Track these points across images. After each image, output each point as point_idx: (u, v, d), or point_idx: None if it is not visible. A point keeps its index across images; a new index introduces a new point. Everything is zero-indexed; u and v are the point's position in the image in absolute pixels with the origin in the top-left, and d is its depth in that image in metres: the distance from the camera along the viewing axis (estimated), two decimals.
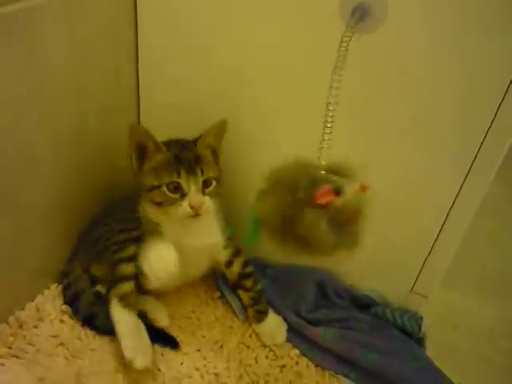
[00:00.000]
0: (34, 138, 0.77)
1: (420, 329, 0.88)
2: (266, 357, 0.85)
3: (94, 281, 0.88)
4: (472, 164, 0.76)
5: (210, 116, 0.82)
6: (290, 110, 0.84)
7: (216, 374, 0.80)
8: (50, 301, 0.86)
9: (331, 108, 0.61)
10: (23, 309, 0.83)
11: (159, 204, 0.79)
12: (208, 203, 0.79)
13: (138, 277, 0.81)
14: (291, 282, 0.97)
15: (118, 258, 0.81)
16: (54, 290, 0.89)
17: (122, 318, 0.78)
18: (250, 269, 0.91)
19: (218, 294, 0.96)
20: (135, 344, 0.76)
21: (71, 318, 0.84)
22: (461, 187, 0.79)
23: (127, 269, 0.81)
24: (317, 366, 0.85)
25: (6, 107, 0.70)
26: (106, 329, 0.82)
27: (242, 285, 0.90)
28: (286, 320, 0.90)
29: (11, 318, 0.80)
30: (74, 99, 0.84)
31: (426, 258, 0.87)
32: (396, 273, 0.91)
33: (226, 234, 0.88)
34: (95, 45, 0.85)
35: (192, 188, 0.77)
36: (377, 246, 0.89)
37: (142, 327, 0.79)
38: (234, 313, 0.92)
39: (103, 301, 0.83)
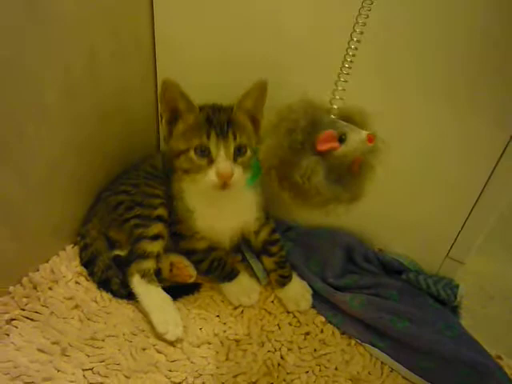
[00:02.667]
0: (40, 73, 0.71)
1: (455, 297, 0.82)
2: (290, 323, 0.80)
3: (112, 244, 0.86)
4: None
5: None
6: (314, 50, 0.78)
7: (236, 341, 0.76)
8: (66, 262, 0.84)
9: (352, 46, 0.55)
10: (37, 270, 0.81)
11: (186, 172, 0.73)
12: (240, 174, 0.71)
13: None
14: (316, 246, 0.92)
15: (140, 234, 0.79)
16: (70, 251, 0.86)
17: (147, 293, 0.77)
18: (276, 236, 0.87)
19: (239, 258, 0.92)
20: (164, 317, 0.75)
21: (87, 279, 0.82)
22: (502, 153, 0.73)
23: (152, 247, 0.79)
24: (343, 333, 0.81)
25: (9, 36, 0.64)
26: (120, 294, 0.80)
27: (266, 250, 0.87)
28: (310, 285, 0.85)
29: (25, 279, 0.78)
30: (86, 32, 0.77)
31: (464, 221, 0.81)
32: (430, 237, 0.86)
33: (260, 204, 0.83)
34: None
35: (221, 153, 0.70)
36: (409, 208, 0.84)
37: (168, 299, 0.77)
38: (256, 277, 0.88)
39: (121, 264, 0.82)
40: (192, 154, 0.71)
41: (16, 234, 0.75)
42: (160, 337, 0.74)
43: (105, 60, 0.83)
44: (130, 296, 0.79)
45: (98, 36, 0.80)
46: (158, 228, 0.80)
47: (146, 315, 0.76)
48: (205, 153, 0.70)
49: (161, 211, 0.81)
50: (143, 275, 0.77)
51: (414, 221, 0.85)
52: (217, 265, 0.83)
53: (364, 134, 0.54)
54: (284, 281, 0.85)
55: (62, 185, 0.82)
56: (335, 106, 0.56)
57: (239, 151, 0.72)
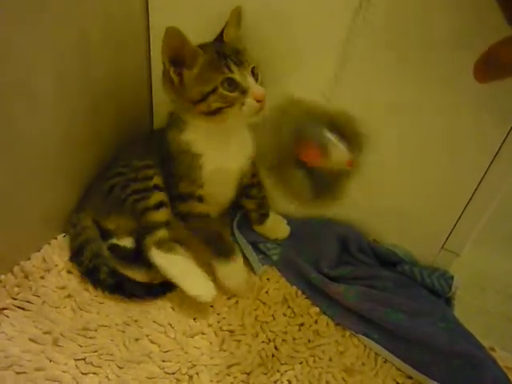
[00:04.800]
0: (30, 59, 0.69)
1: (450, 288, 0.82)
2: (284, 314, 0.80)
3: (106, 234, 0.84)
4: None
5: None
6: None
7: (230, 331, 0.76)
8: (58, 251, 0.82)
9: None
10: (29, 259, 0.79)
11: (215, 112, 0.72)
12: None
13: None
14: (311, 237, 0.92)
15: (143, 207, 0.79)
16: (62, 240, 0.85)
17: (169, 262, 0.77)
18: (257, 178, 0.90)
19: None
20: (193, 282, 0.76)
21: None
22: (501, 145, 0.72)
23: (158, 216, 0.79)
24: (337, 324, 0.80)
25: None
26: (106, 284, 0.77)
27: (247, 193, 0.90)
28: (305, 277, 0.84)
29: (16, 268, 0.77)
30: (77, 16, 0.75)
31: (461, 213, 0.80)
32: (426, 228, 0.85)
33: None
34: None
35: (249, 80, 0.71)
36: (405, 199, 0.84)
37: (190, 262, 0.78)
38: (251, 267, 0.87)
39: (119, 253, 0.82)
40: (221, 90, 0.70)
41: (6, 223, 0.74)
42: (197, 300, 0.75)
43: (96, 45, 0.81)
44: (115, 287, 0.77)
45: (90, 20, 0.78)
46: (158, 196, 0.80)
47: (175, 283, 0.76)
48: (233, 85, 0.70)
49: (156, 180, 0.81)
50: (159, 246, 0.77)
51: (410, 212, 0.84)
52: (215, 236, 0.82)
53: (346, 155, 0.54)
54: (263, 218, 0.90)
55: (52, 173, 0.81)
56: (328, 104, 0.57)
57: (253, 73, 0.73)
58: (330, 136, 0.54)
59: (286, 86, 0.78)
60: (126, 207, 0.80)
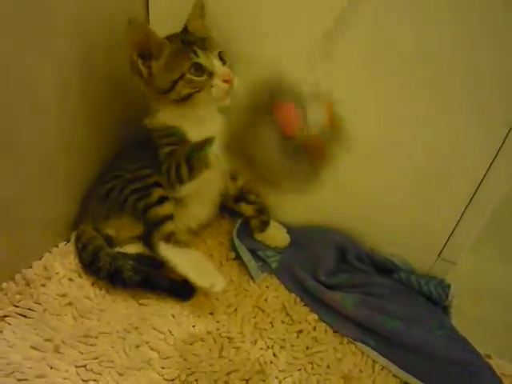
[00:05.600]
0: (33, 63, 0.70)
1: (447, 297, 0.83)
2: (282, 321, 0.81)
3: (109, 242, 0.84)
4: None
5: None
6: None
7: (229, 338, 0.76)
8: (59, 259, 0.83)
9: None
10: (30, 267, 0.80)
11: (186, 98, 0.75)
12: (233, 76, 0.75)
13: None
14: (308, 245, 0.93)
15: (146, 204, 0.80)
16: (63, 248, 0.86)
17: (177, 256, 0.78)
18: (251, 184, 0.91)
19: (233, 255, 0.92)
20: (203, 273, 0.77)
21: (80, 276, 0.81)
22: (496, 153, 0.73)
23: (162, 210, 0.80)
24: (335, 331, 0.81)
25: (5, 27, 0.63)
26: (133, 282, 0.78)
27: (245, 198, 0.91)
28: (303, 284, 0.85)
29: (18, 276, 0.77)
30: (78, 21, 0.76)
31: (457, 223, 0.81)
32: (422, 237, 0.86)
33: None
34: None
35: (215, 62, 0.74)
36: (401, 208, 0.85)
37: (200, 255, 0.80)
38: (250, 275, 0.88)
39: (127, 258, 0.81)
40: (189, 75, 0.73)
41: (8, 231, 0.74)
42: (208, 291, 0.77)
43: (98, 50, 0.83)
44: (142, 283, 0.78)
45: (91, 24, 0.80)
46: (159, 192, 0.81)
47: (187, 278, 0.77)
48: (199, 69, 0.74)
49: (155, 178, 0.82)
50: (167, 240, 0.78)
51: (407, 221, 0.85)
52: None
53: (323, 113, 0.51)
54: (264, 226, 0.90)
55: (54, 180, 0.82)
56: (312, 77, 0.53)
57: (221, 58, 0.77)
58: (309, 98, 0.52)
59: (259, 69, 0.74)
60: (127, 208, 0.81)
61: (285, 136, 0.50)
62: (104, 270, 0.79)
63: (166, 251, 0.78)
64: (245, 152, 0.52)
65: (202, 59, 0.74)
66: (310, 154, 0.52)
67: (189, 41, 0.76)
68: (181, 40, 0.76)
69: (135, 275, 0.78)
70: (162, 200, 0.80)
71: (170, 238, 0.79)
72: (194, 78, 0.74)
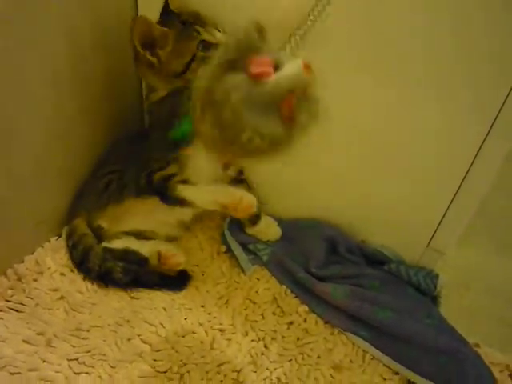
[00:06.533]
0: (25, 62, 0.70)
1: (435, 287, 0.84)
2: (273, 313, 0.81)
3: (99, 235, 0.85)
4: (497, 116, 0.70)
5: None
6: None
7: (221, 330, 0.77)
8: (51, 254, 0.84)
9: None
10: (22, 262, 0.81)
11: None
12: None
13: None
14: (299, 238, 0.93)
15: (148, 174, 0.81)
16: (55, 243, 0.86)
17: (197, 191, 0.79)
18: (243, 176, 0.92)
19: (223, 249, 0.93)
20: (227, 192, 0.78)
21: (72, 271, 0.82)
22: (483, 140, 0.73)
23: (166, 172, 0.80)
24: (326, 322, 0.82)
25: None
26: (123, 282, 0.80)
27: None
28: (294, 276, 0.86)
29: (9, 271, 0.78)
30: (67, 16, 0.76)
31: (445, 212, 0.82)
32: (412, 227, 0.86)
33: None
34: None
35: (217, 35, 0.76)
36: (390, 199, 0.85)
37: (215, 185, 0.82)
38: (241, 267, 0.89)
39: (114, 256, 0.82)
40: (200, 53, 0.75)
41: (0, 226, 0.75)
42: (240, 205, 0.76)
43: (88, 47, 0.83)
44: (132, 283, 0.80)
45: (80, 19, 0.80)
46: (176, 167, 0.81)
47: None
48: (207, 45, 0.76)
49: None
50: (182, 181, 0.80)
51: (395, 211, 0.86)
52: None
53: (299, 62, 0.49)
54: (256, 219, 0.90)
55: (46, 176, 0.82)
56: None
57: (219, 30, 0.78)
58: (281, 52, 0.52)
59: None
60: (128, 191, 0.83)
61: (253, 81, 0.48)
62: (94, 271, 0.80)
63: (186, 191, 0.79)
64: (216, 113, 0.49)
65: (205, 35, 0.76)
66: (279, 112, 0.49)
67: (187, 21, 0.77)
68: (179, 22, 0.77)
69: (125, 276, 0.80)
70: (163, 167, 0.81)
71: (185, 182, 0.80)
72: (205, 54, 0.75)
